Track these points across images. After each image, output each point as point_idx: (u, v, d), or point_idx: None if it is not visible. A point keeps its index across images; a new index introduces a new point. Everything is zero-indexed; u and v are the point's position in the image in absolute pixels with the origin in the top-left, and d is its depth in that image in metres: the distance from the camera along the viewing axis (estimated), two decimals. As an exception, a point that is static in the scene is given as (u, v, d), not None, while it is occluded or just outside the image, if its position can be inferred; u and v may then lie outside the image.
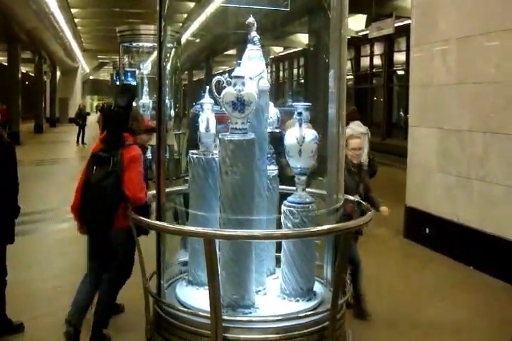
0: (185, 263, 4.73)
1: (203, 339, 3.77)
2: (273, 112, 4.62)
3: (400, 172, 9.08)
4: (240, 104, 3.95)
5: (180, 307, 4.03)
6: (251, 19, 4.19)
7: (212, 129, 4.31)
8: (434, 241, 7.90)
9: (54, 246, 8.05)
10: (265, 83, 4.29)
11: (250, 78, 4.11)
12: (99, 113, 19.99)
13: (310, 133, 4.13)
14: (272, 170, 4.50)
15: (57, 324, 5.06)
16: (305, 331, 3.85)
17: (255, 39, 4.22)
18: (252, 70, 4.19)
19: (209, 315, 3.68)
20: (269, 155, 4.47)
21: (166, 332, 4.05)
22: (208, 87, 4.23)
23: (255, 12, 4.48)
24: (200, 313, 3.85)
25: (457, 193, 7.55)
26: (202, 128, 4.28)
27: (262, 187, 4.32)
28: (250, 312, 3.96)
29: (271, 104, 4.54)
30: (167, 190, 4.47)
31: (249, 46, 4.24)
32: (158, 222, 4.03)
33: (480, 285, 6.55)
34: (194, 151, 4.41)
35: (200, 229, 3.82)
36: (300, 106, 4.19)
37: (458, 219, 7.45)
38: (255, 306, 4.04)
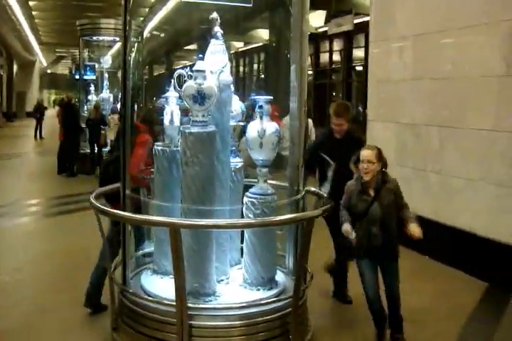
0: (148, 254, 4.83)
1: (169, 327, 3.87)
2: (237, 106, 4.71)
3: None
4: (200, 97, 4.06)
5: (145, 296, 4.12)
6: (214, 14, 4.30)
7: (177, 122, 4.40)
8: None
9: (14, 240, 8.03)
10: (228, 77, 4.39)
11: (211, 72, 4.21)
12: (58, 107, 19.78)
13: (271, 126, 4.25)
14: (237, 162, 4.61)
15: (20, 315, 5.13)
16: (268, 317, 3.99)
17: (218, 34, 4.32)
18: (215, 64, 4.30)
19: (174, 303, 3.79)
20: (233, 148, 4.57)
21: (132, 320, 4.14)
22: (172, 81, 4.32)
23: (217, 7, 4.58)
24: (165, 301, 3.95)
25: (414, 185, 7.75)
26: (166, 121, 4.36)
27: (225, 178, 4.43)
28: (211, 300, 4.08)
29: (236, 97, 4.64)
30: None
31: (213, 41, 4.34)
32: (123, 213, 4.11)
33: (436, 274, 6.76)
34: (159, 143, 4.51)
35: (166, 219, 3.91)
36: (261, 99, 4.30)
37: (414, 209, 7.63)
38: (216, 294, 4.15)
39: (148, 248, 4.88)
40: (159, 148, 4.46)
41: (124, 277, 4.34)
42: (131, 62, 4.57)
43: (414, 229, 4.51)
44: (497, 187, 6.48)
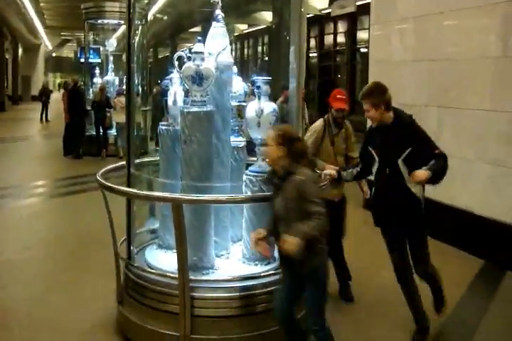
0: (153, 231, 5.00)
1: (172, 298, 4.04)
2: (240, 86, 4.83)
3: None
4: (198, 78, 4.22)
5: (149, 269, 4.29)
6: (216, -3, 4.41)
7: (180, 102, 4.53)
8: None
9: (22, 221, 8.21)
10: (228, 58, 4.52)
11: (210, 54, 4.34)
12: (63, 90, 19.92)
13: (268, 106, 4.38)
14: (239, 141, 4.74)
15: (29, 292, 5.33)
16: (266, 290, 4.14)
17: (219, 17, 4.44)
18: (215, 47, 4.43)
19: (176, 275, 3.96)
20: (236, 128, 4.70)
21: (136, 293, 4.31)
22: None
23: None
24: (168, 274, 4.13)
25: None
26: (170, 101, 4.50)
27: (225, 157, 4.57)
28: (208, 274, 4.25)
29: (239, 78, 4.76)
30: (138, 160, 4.72)
31: (214, 24, 4.46)
32: (128, 189, 4.27)
33: (433, 252, 6.90)
34: (163, 123, 4.66)
35: (169, 195, 4.08)
36: (259, 80, 4.44)
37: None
38: (214, 268, 4.32)
39: (153, 225, 5.05)
40: (163, 127, 4.61)
41: (128, 252, 4.52)
42: (136, 45, 4.70)
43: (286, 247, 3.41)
44: (493, 167, 6.62)
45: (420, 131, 4.52)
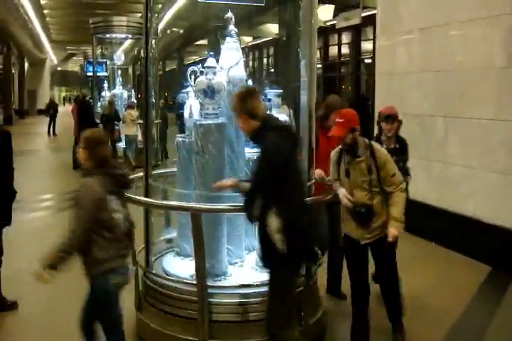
0: (169, 240, 5.15)
1: (190, 304, 4.17)
2: None
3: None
4: (210, 91, 4.43)
5: (167, 277, 4.44)
6: (229, 14, 4.59)
7: (196, 115, 4.70)
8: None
9: (32, 233, 8.33)
10: (241, 72, 4.69)
11: (221, 68, 4.51)
12: (73, 103, 20.16)
13: (280, 118, 4.52)
14: (255, 152, 4.86)
15: (43, 298, 5.53)
16: (281, 295, 4.27)
17: (232, 32, 4.61)
18: (229, 61, 4.60)
19: (194, 282, 4.10)
20: None
21: (155, 300, 4.45)
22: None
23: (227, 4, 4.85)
24: (186, 281, 4.27)
25: (419, 174, 8.01)
26: (186, 114, 4.67)
27: (239, 167, 4.71)
28: (220, 280, 4.39)
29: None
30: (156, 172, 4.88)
31: (227, 39, 4.63)
32: (148, 199, 4.42)
33: (441, 259, 7.04)
34: (180, 135, 4.82)
35: (187, 204, 4.23)
36: (270, 93, 4.62)
37: (419, 198, 7.92)
38: (227, 275, 4.46)
39: (170, 234, 5.20)
40: (180, 139, 4.77)
41: (146, 260, 4.65)
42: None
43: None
44: (498, 175, 6.74)
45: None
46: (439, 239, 7.45)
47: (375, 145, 4.37)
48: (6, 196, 5.22)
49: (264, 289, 4.25)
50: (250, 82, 4.84)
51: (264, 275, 4.49)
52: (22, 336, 4.91)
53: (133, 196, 4.28)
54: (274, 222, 3.50)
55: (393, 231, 4.18)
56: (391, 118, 5.22)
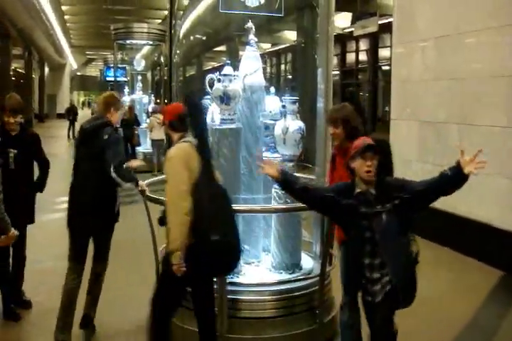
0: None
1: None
2: (276, 106, 5.09)
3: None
4: (226, 97, 4.65)
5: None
6: (250, 24, 4.80)
7: (217, 120, 4.89)
8: (414, 225, 8.48)
9: (54, 233, 8.54)
10: (260, 80, 4.89)
11: (236, 76, 4.71)
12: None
13: (294, 125, 4.72)
14: (275, 157, 5.01)
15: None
16: (297, 294, 4.47)
17: (252, 41, 4.82)
18: (247, 69, 4.82)
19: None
20: (271, 144, 5.00)
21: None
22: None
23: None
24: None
25: (434, 180, 8.16)
26: (208, 119, 4.86)
27: (256, 170, 4.88)
28: (233, 278, 4.54)
29: (275, 98, 5.08)
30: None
31: (247, 47, 4.84)
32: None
33: (454, 263, 7.18)
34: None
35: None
36: (286, 100, 4.81)
37: (434, 204, 8.05)
38: (240, 273, 4.65)
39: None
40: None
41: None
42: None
43: None
44: (510, 181, 6.89)
45: None
46: (452, 244, 7.59)
47: None
48: (33, 197, 5.51)
49: (282, 287, 4.48)
50: (273, 89, 5.03)
51: (276, 276, 4.71)
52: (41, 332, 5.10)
53: (159, 197, 4.45)
54: None
55: None
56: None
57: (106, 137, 4.42)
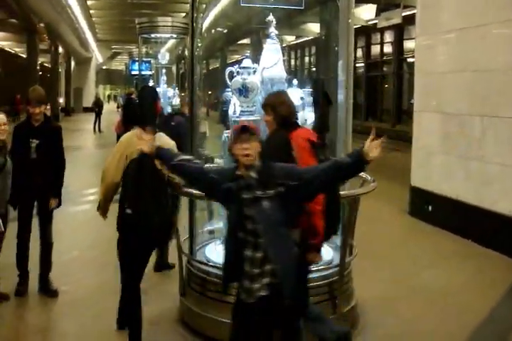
0: (211, 231, 5.44)
1: (231, 290, 4.43)
2: (296, 98, 5.03)
3: (409, 156, 9.65)
4: (244, 90, 4.72)
5: (210, 263, 4.72)
6: (270, 17, 4.85)
7: (239, 112, 4.96)
8: (436, 217, 8.51)
9: (80, 224, 8.74)
10: (281, 72, 4.93)
11: (255, 69, 4.77)
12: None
13: (312, 116, 4.75)
14: None
15: (94, 283, 5.95)
16: (317, 283, 4.52)
17: (272, 34, 4.87)
18: (268, 62, 4.87)
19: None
20: None
21: (198, 286, 4.74)
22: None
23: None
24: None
25: (457, 173, 8.16)
26: (231, 111, 4.94)
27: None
28: None
29: (298, 90, 5.07)
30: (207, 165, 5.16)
31: (268, 40, 4.89)
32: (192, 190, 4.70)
33: (475, 255, 7.18)
34: (227, 131, 5.10)
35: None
36: (305, 91, 4.86)
37: (457, 196, 8.06)
38: None
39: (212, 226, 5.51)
40: (226, 135, 5.04)
41: (190, 249, 4.95)
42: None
43: None
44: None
45: None
46: (476, 237, 7.58)
47: None
48: (58, 185, 5.75)
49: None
50: (295, 81, 5.07)
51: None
52: (66, 319, 5.26)
53: (188, 189, 4.51)
54: None
55: None
56: None
57: None
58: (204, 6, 5.57)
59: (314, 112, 4.55)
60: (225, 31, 23.97)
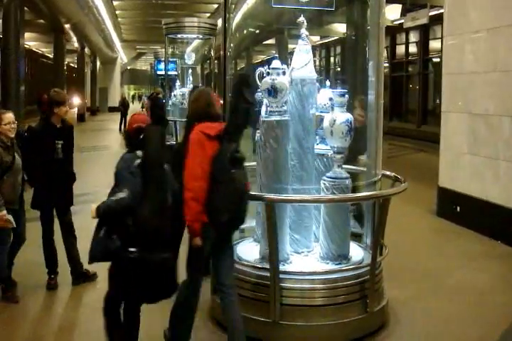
0: (241, 230, 5.48)
1: (262, 288, 4.51)
2: (326, 98, 5.12)
3: (435, 157, 9.62)
4: (273, 90, 4.76)
5: (241, 262, 4.77)
6: (301, 18, 4.89)
7: (268, 113, 4.99)
8: (464, 218, 8.47)
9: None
10: (311, 73, 4.97)
11: (284, 69, 4.80)
12: (146, 100, 20.84)
13: (342, 117, 4.76)
14: (327, 149, 5.09)
15: None
16: (347, 283, 4.57)
17: (304, 35, 4.91)
18: (299, 62, 4.91)
19: (266, 267, 4.45)
20: (325, 136, 5.05)
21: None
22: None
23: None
24: (258, 266, 4.60)
25: (485, 173, 8.12)
26: (263, 111, 4.98)
27: (307, 162, 4.99)
28: (283, 265, 4.65)
29: (329, 91, 5.10)
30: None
31: (299, 41, 4.93)
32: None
33: (504, 256, 7.15)
34: (259, 131, 5.15)
35: (264, 194, 4.56)
36: (334, 92, 4.88)
37: (486, 197, 8.03)
38: (287, 262, 4.75)
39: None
40: (258, 134, 5.07)
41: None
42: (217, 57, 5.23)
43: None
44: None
45: None
46: (505, 238, 7.54)
47: None
48: (71, 180, 6.01)
49: (333, 276, 4.59)
50: (328, 83, 5.11)
51: (323, 266, 4.79)
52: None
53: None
54: None
55: None
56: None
57: None
58: (233, 6, 5.60)
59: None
60: (252, 31, 24.06)
